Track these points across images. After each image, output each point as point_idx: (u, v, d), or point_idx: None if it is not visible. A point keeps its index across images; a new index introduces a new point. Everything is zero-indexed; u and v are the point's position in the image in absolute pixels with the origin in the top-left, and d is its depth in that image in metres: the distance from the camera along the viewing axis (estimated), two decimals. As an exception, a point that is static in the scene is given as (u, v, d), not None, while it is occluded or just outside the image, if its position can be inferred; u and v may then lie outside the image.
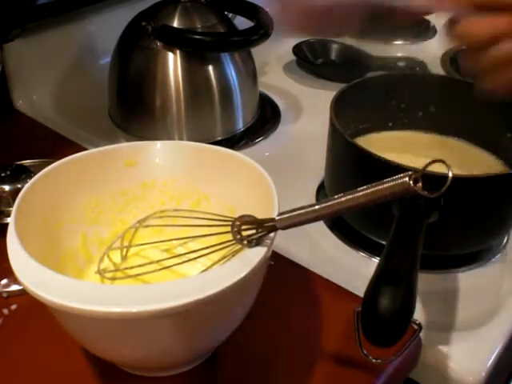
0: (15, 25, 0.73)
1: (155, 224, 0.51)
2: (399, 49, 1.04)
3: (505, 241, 0.63)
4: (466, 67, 0.41)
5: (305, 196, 0.67)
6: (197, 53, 0.71)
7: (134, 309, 0.35)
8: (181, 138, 0.74)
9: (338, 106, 0.60)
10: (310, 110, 0.85)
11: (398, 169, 0.51)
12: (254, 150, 0.76)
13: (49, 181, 0.46)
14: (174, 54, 0.71)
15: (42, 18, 0.80)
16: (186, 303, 0.35)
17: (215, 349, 0.47)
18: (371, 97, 0.66)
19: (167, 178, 0.52)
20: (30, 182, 0.45)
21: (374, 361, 0.43)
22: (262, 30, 0.71)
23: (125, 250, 0.50)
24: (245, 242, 0.40)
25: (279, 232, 0.41)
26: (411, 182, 0.37)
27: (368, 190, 0.38)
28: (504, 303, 0.55)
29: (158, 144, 0.51)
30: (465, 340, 0.51)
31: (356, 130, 0.68)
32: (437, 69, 0.97)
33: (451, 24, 0.39)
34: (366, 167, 0.56)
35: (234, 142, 0.77)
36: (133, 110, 0.75)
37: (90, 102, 0.82)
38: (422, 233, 0.46)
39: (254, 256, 0.39)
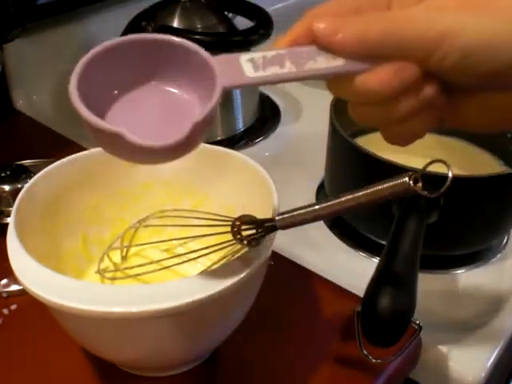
0: (15, 25, 0.73)
1: (155, 224, 0.51)
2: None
3: (505, 241, 0.63)
4: (357, 120, 0.36)
5: (305, 196, 0.67)
6: (197, 53, 0.71)
7: (135, 309, 0.35)
8: (181, 138, 0.74)
9: (338, 106, 0.60)
10: (310, 110, 0.85)
11: (398, 169, 0.51)
12: (254, 150, 0.76)
13: (49, 181, 0.46)
14: (174, 53, 0.71)
15: (42, 17, 0.80)
16: (186, 303, 0.35)
17: (215, 349, 0.47)
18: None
19: (167, 177, 0.52)
20: (30, 182, 0.45)
21: (373, 361, 0.43)
22: (262, 29, 0.71)
23: (125, 249, 0.51)
24: (245, 242, 0.40)
25: (279, 232, 0.41)
26: (411, 182, 0.37)
27: (368, 190, 0.38)
28: (504, 303, 0.55)
29: (158, 144, 0.51)
30: (465, 340, 0.51)
31: (356, 130, 0.68)
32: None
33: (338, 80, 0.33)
34: (366, 167, 0.56)
35: (234, 141, 0.77)
36: (133, 110, 0.75)
37: (89, 102, 0.82)
38: (422, 233, 0.46)
39: (254, 256, 0.39)
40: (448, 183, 0.37)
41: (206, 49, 0.33)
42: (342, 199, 0.39)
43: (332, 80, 0.34)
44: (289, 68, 0.33)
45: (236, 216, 0.41)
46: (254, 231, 0.40)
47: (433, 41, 0.30)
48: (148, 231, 0.52)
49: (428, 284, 0.55)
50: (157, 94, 0.34)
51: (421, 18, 0.30)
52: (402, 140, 0.35)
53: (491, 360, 0.50)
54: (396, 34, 0.30)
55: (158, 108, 0.34)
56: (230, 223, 0.41)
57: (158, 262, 0.46)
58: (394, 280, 0.41)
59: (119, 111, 0.33)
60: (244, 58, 0.33)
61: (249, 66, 0.33)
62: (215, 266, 0.42)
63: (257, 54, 0.33)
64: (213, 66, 0.32)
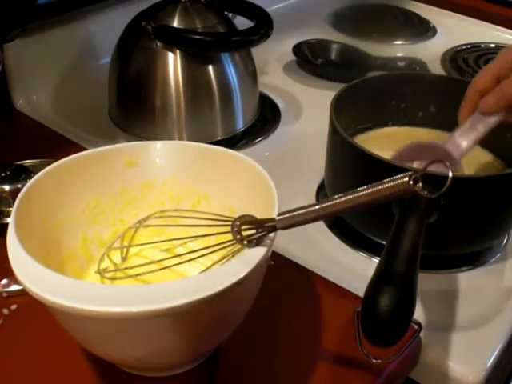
0: (15, 25, 0.73)
1: (155, 224, 0.51)
2: (399, 49, 1.04)
3: (505, 241, 0.63)
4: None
5: (305, 196, 0.67)
6: (197, 53, 0.71)
7: (134, 309, 0.35)
8: (181, 138, 0.74)
9: (338, 106, 0.60)
10: (310, 110, 0.85)
11: (398, 169, 0.51)
12: (254, 150, 0.76)
13: (49, 181, 0.46)
14: (174, 54, 0.71)
15: (42, 18, 0.80)
16: (186, 303, 0.35)
17: (215, 349, 0.47)
18: (371, 97, 0.66)
19: (167, 178, 0.52)
20: (30, 182, 0.45)
21: (373, 361, 0.43)
22: (262, 29, 0.71)
23: (125, 250, 0.50)
24: (245, 242, 0.40)
25: (279, 232, 0.41)
26: (411, 182, 0.37)
27: (368, 190, 0.38)
28: (504, 303, 0.55)
29: (158, 144, 0.51)
30: (465, 340, 0.51)
31: (356, 130, 0.68)
32: (437, 69, 0.96)
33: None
34: (366, 167, 0.56)
35: (234, 141, 0.77)
36: (133, 110, 0.75)
37: (90, 102, 0.82)
38: (422, 233, 0.46)
39: (254, 256, 0.39)
40: (448, 183, 0.37)
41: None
42: (342, 199, 0.39)
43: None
44: (477, 131, 0.57)
45: (236, 216, 0.41)
46: (254, 231, 0.40)
47: None
48: (148, 231, 0.52)
49: (428, 284, 0.55)
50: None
51: None
52: None
53: (491, 360, 0.50)
54: None
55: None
56: (230, 223, 0.41)
57: (158, 262, 0.46)
58: (394, 280, 0.41)
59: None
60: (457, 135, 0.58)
61: (461, 140, 0.58)
62: (215, 266, 0.42)
63: (462, 132, 0.58)
64: (452, 152, 0.58)
